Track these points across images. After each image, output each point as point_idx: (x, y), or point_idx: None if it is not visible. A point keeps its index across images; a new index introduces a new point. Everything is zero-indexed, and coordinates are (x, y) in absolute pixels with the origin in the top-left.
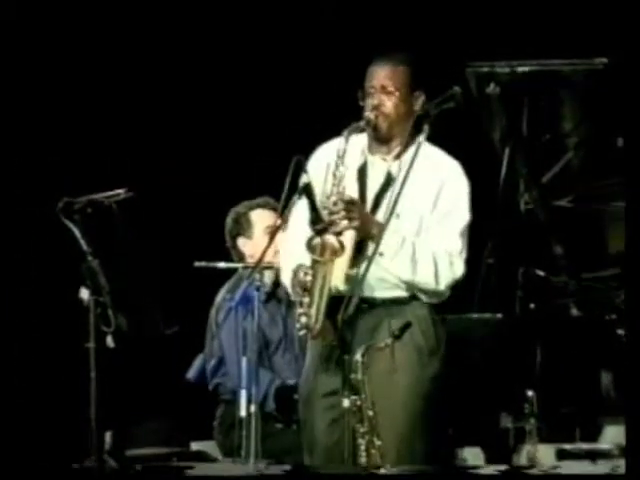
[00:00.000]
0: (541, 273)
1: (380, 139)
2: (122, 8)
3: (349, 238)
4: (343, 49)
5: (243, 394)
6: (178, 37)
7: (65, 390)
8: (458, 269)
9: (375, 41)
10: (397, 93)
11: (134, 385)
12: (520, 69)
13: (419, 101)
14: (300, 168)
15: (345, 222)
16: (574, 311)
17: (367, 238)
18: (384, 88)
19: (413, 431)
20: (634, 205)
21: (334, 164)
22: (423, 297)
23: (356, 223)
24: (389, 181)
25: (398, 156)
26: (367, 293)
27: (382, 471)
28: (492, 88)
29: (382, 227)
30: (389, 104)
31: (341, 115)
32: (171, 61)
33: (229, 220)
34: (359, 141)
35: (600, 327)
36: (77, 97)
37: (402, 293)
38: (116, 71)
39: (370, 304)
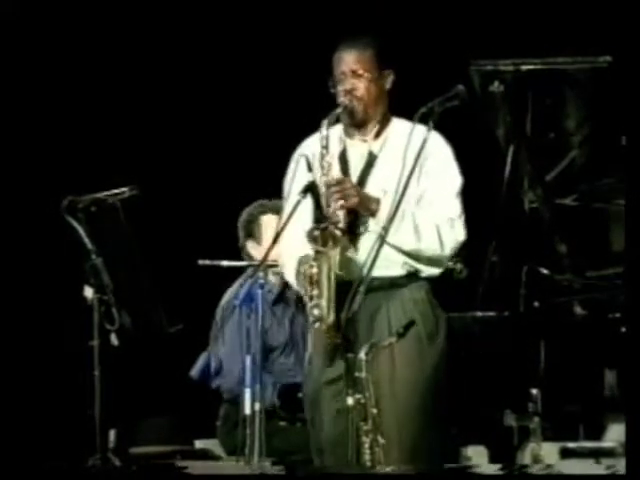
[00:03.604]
0: (545, 271)
1: (357, 123)
2: (124, 4)
3: (343, 220)
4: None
5: (247, 392)
6: (183, 36)
7: (69, 388)
8: (460, 232)
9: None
10: (367, 75)
11: (138, 383)
12: (524, 67)
13: (389, 80)
14: (304, 165)
15: (343, 202)
16: (578, 309)
17: (367, 213)
18: (354, 72)
19: (415, 423)
20: (634, 203)
21: (319, 154)
22: (426, 268)
23: (355, 200)
24: (372, 160)
25: (377, 135)
26: (363, 274)
27: (384, 470)
28: (496, 86)
29: (380, 201)
30: (361, 87)
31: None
32: (175, 60)
33: (241, 221)
34: (335, 131)
35: (604, 325)
36: (81, 95)
37: (398, 271)
38: (120, 70)
39: (367, 287)
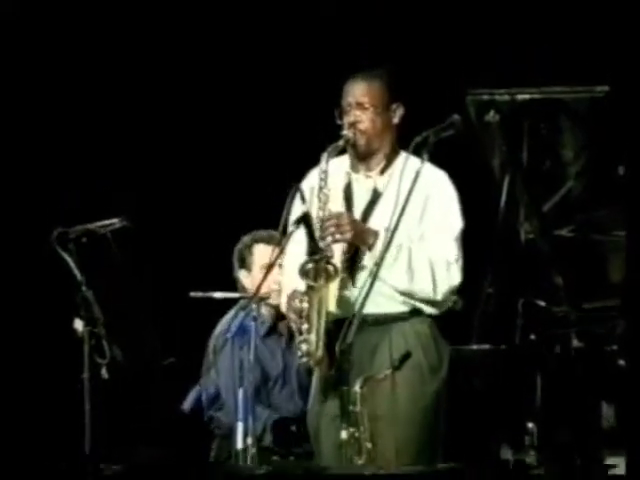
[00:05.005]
0: (541, 303)
1: (360, 156)
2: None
3: (338, 257)
4: (343, 76)
5: (240, 426)
6: (177, 62)
7: (59, 422)
8: (455, 276)
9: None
10: (372, 108)
11: (129, 417)
12: (520, 97)
13: (397, 114)
14: (298, 196)
15: (338, 236)
16: (575, 342)
17: (364, 247)
18: (360, 104)
19: (413, 456)
20: (634, 233)
21: (317, 187)
22: (423, 307)
23: (349, 235)
24: (376, 197)
25: (383, 171)
26: (364, 310)
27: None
28: (492, 115)
29: (378, 234)
30: (365, 120)
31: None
32: (168, 90)
33: (235, 250)
34: (342, 163)
35: (601, 358)
36: (72, 125)
37: (400, 307)
38: (110, 100)
39: (369, 322)
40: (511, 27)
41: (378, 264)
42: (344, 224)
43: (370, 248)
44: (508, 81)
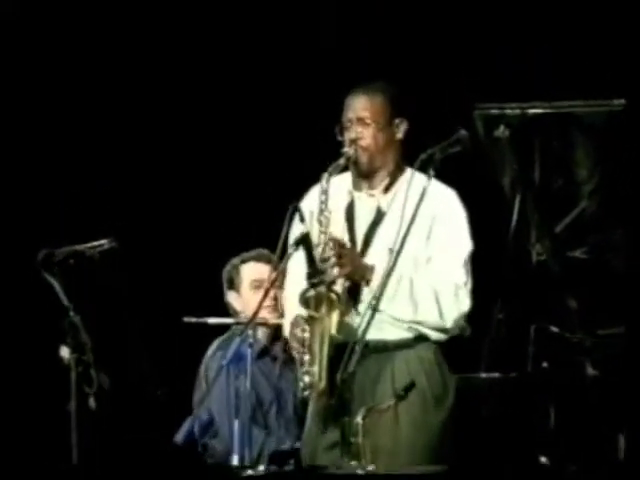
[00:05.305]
0: (554, 329)
1: (363, 173)
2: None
3: (340, 284)
4: (343, 89)
5: (235, 459)
6: (169, 78)
7: (45, 454)
8: (464, 302)
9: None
10: (374, 124)
11: (119, 449)
12: (531, 111)
13: (401, 129)
14: (297, 216)
15: (336, 270)
16: (590, 370)
17: (362, 282)
18: (361, 120)
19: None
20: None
21: (318, 209)
22: (432, 334)
23: (347, 270)
24: (379, 217)
25: (387, 189)
26: (367, 336)
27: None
28: (501, 131)
29: (374, 269)
30: (367, 136)
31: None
32: (159, 110)
33: (224, 272)
34: (343, 181)
35: (617, 386)
36: (57, 144)
37: (404, 334)
38: (103, 118)
39: (371, 348)
40: (511, 28)
41: (377, 297)
42: (344, 258)
43: (367, 283)
44: (508, 82)
